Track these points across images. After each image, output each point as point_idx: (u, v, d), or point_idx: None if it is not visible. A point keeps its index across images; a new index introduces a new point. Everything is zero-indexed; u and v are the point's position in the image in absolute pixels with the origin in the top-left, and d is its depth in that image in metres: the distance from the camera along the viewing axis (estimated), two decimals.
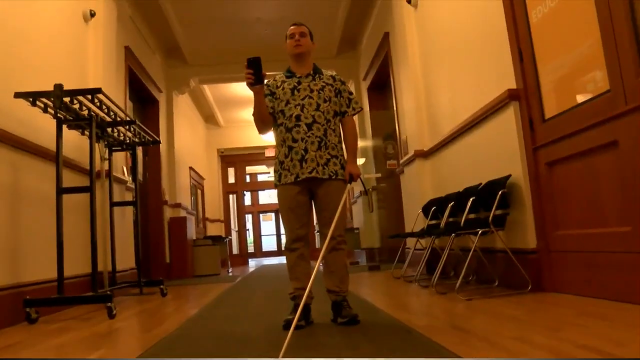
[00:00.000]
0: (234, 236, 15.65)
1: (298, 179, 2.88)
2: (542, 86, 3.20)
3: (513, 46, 3.44)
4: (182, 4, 7.33)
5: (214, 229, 13.07)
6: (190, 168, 10.68)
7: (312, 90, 2.97)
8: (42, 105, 3.73)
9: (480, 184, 3.80)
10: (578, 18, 2.78)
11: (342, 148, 3.03)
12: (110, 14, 5.90)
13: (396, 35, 6.24)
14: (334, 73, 3.14)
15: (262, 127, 3.00)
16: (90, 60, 5.47)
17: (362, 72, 8.83)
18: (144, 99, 8.19)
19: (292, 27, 3.07)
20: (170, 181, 8.78)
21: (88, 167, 4.65)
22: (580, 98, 2.82)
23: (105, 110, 4.12)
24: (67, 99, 3.69)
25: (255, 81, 2.72)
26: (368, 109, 8.51)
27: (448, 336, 2.09)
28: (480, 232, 3.36)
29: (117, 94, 6.00)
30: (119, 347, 2.47)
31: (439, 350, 1.84)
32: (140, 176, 7.01)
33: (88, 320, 3.49)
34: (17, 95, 3.53)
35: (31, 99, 3.60)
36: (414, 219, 5.33)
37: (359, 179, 3.00)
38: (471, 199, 3.65)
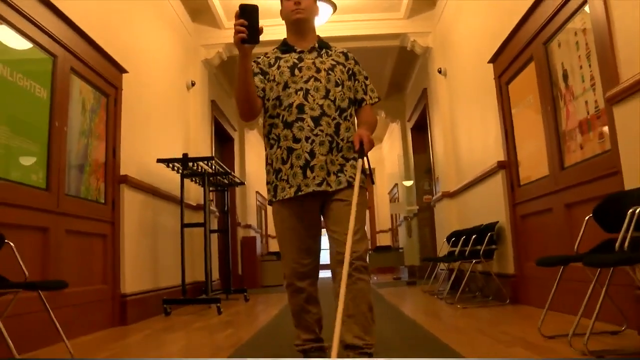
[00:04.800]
0: None
1: (301, 193, 2.21)
2: (519, 161, 4.62)
3: (502, 128, 4.87)
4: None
5: (275, 245, 14.71)
6: (257, 192, 12.34)
7: (318, 70, 2.30)
8: (171, 166, 5.38)
9: (482, 224, 5.23)
10: (535, 121, 4.20)
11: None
12: (204, 80, 7.56)
13: (431, 94, 7.68)
14: (345, 50, 2.50)
15: (247, 109, 2.25)
16: (191, 119, 7.14)
17: (407, 114, 10.30)
18: (222, 138, 9.87)
19: None
20: (242, 205, 10.43)
21: (192, 203, 6.34)
22: (536, 176, 4.23)
23: (213, 166, 5.73)
24: (190, 163, 5.32)
25: (249, 38, 2.03)
26: (412, 151, 9.95)
27: (440, 327, 3.55)
28: (474, 261, 4.80)
29: (206, 140, 7.64)
30: (239, 328, 4.01)
31: (428, 335, 3.32)
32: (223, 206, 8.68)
33: (204, 315, 5.07)
34: (159, 160, 5.19)
35: (166, 164, 5.25)
36: (442, 245, 6.75)
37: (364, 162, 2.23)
38: (474, 236, 5.07)
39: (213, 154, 7.81)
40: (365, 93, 2.43)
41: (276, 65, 2.35)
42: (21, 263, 2.70)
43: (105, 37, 4.44)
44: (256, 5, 2.06)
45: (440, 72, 7.08)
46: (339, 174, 2.25)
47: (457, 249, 5.59)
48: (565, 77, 3.64)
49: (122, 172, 4.61)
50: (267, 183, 2.36)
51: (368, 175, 2.37)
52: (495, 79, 4.97)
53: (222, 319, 4.76)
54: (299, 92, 2.26)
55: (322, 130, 2.23)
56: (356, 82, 2.42)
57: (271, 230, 14.59)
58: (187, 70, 7.11)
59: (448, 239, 6.42)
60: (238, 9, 2.03)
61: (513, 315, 3.95)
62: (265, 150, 2.40)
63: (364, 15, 7.45)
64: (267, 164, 2.38)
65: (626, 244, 2.40)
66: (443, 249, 6.66)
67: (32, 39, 3.43)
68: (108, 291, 4.28)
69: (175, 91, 6.60)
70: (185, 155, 5.22)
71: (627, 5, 2.81)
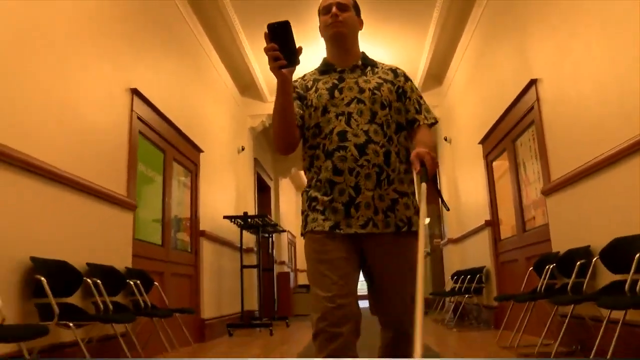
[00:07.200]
0: None
1: (339, 231, 1.89)
2: (500, 220, 6.10)
3: (487, 194, 6.36)
4: None
5: (303, 278, 16.20)
6: (288, 231, 13.89)
7: (362, 90, 2.00)
8: (233, 221, 6.95)
9: (474, 267, 6.69)
10: (509, 193, 5.68)
11: (413, 180, 2.00)
12: (250, 144, 9.18)
13: (440, 155, 9.22)
14: (394, 66, 2.17)
15: (285, 141, 1.96)
16: (240, 177, 8.73)
17: None
18: (261, 187, 11.45)
19: None
20: (277, 244, 11.97)
21: (244, 247, 7.91)
22: (510, 233, 5.71)
23: (264, 221, 7.30)
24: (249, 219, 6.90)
25: (288, 62, 1.74)
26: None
27: (435, 340, 5.02)
28: (466, 296, 6.26)
29: (251, 192, 9.21)
30: (292, 345, 5.49)
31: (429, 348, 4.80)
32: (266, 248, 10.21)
33: (259, 337, 6.57)
34: (225, 217, 6.78)
35: (230, 219, 6.83)
36: (448, 282, 8.21)
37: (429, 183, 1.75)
38: (469, 276, 6.54)
39: (256, 204, 9.37)
40: (419, 112, 2.06)
41: (314, 89, 2.05)
42: (164, 297, 4.27)
43: (186, 125, 6.02)
44: (287, 21, 1.73)
45: (446, 140, 8.62)
46: (389, 213, 1.90)
47: (457, 286, 7.06)
48: (524, 167, 5.15)
49: (201, 227, 6.18)
50: (302, 212, 2.03)
51: (440, 202, 2.16)
52: (483, 157, 6.49)
53: (275, 339, 6.26)
54: (340, 117, 1.96)
55: (368, 160, 1.89)
56: (407, 100, 2.06)
57: (300, 264, 16.10)
58: (237, 137, 8.73)
59: (452, 276, 7.89)
60: (266, 29, 1.72)
61: (489, 335, 5.41)
62: (307, 184, 2.05)
63: None
64: (305, 190, 2.04)
65: (542, 288, 3.91)
66: (448, 284, 8.11)
67: (155, 143, 5.05)
68: (194, 317, 5.82)
69: (229, 156, 8.22)
70: (245, 213, 6.80)
71: (554, 125, 4.32)
